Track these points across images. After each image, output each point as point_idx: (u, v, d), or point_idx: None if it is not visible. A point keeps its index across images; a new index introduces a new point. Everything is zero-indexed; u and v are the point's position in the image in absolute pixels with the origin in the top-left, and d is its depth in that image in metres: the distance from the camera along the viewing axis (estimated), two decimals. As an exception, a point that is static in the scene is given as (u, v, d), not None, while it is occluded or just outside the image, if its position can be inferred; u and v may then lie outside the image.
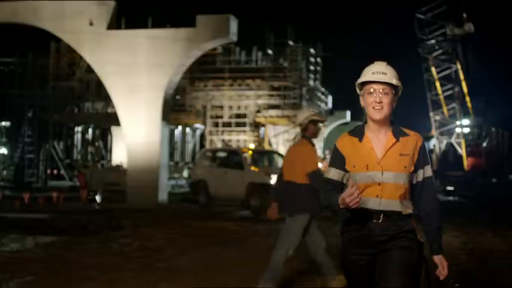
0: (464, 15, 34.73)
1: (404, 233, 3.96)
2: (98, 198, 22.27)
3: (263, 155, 21.57)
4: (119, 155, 42.76)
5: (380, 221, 3.96)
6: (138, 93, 23.62)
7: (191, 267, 9.25)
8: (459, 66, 35.17)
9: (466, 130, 35.63)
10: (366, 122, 4.16)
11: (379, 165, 3.99)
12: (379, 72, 4.02)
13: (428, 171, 4.13)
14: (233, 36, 24.20)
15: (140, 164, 23.46)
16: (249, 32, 24.94)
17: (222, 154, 22.33)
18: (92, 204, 21.51)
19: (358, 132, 4.14)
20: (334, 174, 4.17)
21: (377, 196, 3.97)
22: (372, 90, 4.01)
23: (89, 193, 22.81)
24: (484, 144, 34.45)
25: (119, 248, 11.09)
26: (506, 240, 13.11)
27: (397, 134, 4.08)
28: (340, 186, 4.13)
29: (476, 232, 14.51)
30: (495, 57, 69.66)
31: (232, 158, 20.50)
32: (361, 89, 4.14)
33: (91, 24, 24.51)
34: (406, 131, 4.14)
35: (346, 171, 4.14)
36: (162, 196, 23.63)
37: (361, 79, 4.09)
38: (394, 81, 4.02)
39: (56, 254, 10.08)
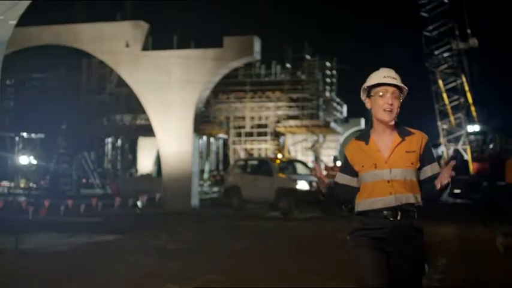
0: (469, 30, 36.97)
1: (416, 232, 4.08)
2: (139, 203, 24.56)
3: (288, 164, 23.94)
4: (145, 164, 45.32)
5: (398, 219, 4.04)
6: (171, 108, 25.72)
7: (248, 250, 11.73)
8: (464, 79, 37.34)
9: (472, 137, 37.77)
10: (371, 127, 4.29)
11: (386, 164, 4.11)
12: (390, 76, 4.19)
13: (435, 168, 4.21)
14: (257, 56, 26.46)
15: (174, 172, 25.65)
16: (268, 48, 27.01)
17: (253, 162, 24.74)
18: (134, 209, 23.79)
19: (364, 137, 4.28)
20: (341, 178, 4.34)
21: (390, 193, 4.05)
22: (382, 93, 4.16)
23: (132, 200, 25.06)
24: (488, 150, 36.48)
25: (186, 239, 13.58)
26: (492, 230, 15.59)
27: (403, 134, 4.19)
28: (349, 189, 4.28)
29: (470, 225, 17.05)
30: (498, 69, 71.82)
31: (262, 166, 22.90)
32: (368, 92, 4.26)
33: (127, 45, 26.57)
34: (411, 130, 4.25)
35: (354, 175, 4.28)
36: (195, 201, 25.92)
37: (373, 81, 4.23)
38: (403, 86, 4.22)
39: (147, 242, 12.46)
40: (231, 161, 41.91)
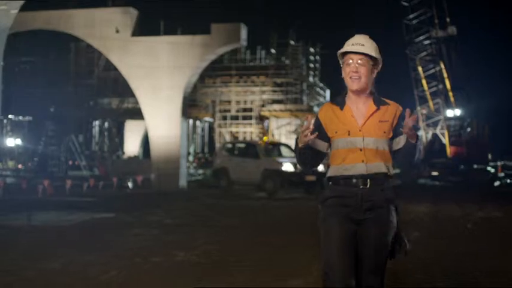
0: (448, 19, 38.25)
1: (387, 202, 4.00)
2: (130, 184, 25.58)
3: (274, 147, 25.07)
4: (132, 147, 46.23)
5: (368, 186, 3.99)
6: (160, 92, 26.66)
7: (237, 226, 12.81)
8: (443, 66, 38.72)
9: (450, 122, 39.16)
10: (346, 93, 4.19)
11: (360, 132, 4.04)
12: (357, 43, 4.09)
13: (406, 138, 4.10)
14: (243, 42, 27.47)
15: (163, 155, 26.64)
16: (253, 33, 27.84)
17: (240, 145, 25.79)
18: (124, 189, 24.79)
19: (339, 101, 4.18)
20: (317, 143, 4.15)
21: (362, 161, 4.00)
22: (350, 61, 4.08)
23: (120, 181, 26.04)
24: (465, 135, 37.99)
25: (181, 216, 14.65)
26: (463, 208, 16.92)
27: (378, 103, 4.12)
28: (319, 155, 4.20)
29: (445, 205, 18.37)
30: (476, 56, 73.57)
31: (250, 148, 23.97)
32: (342, 61, 4.19)
33: (117, 31, 27.43)
34: (387, 100, 4.18)
35: (325, 140, 4.16)
36: (183, 182, 26.98)
37: (341, 50, 4.17)
38: (373, 53, 4.09)
39: (146, 218, 13.48)
40: (217, 144, 42.95)
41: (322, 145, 4.15)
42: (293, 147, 30.80)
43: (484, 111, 41.35)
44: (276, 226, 13.06)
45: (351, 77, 4.06)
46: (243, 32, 26.95)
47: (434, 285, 7.00)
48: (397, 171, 41.62)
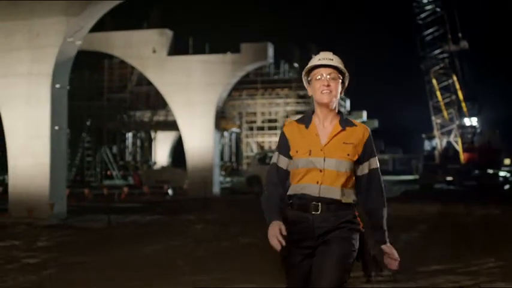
0: (460, 34, 40.56)
1: (344, 223, 3.80)
2: (170, 192, 28.03)
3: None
4: (161, 157, 48.71)
5: (319, 212, 3.78)
6: (194, 107, 28.88)
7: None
8: (455, 78, 41.02)
9: (463, 130, 41.38)
10: (313, 111, 4.02)
11: (321, 152, 3.84)
12: (325, 58, 3.94)
13: (374, 163, 3.96)
14: (270, 59, 29.90)
15: (197, 164, 28.89)
16: (277, 48, 29.94)
17: (271, 155, 28.19)
18: (165, 196, 27.25)
19: (305, 120, 4.01)
20: (280, 160, 4.01)
21: (317, 182, 3.80)
22: (319, 76, 3.90)
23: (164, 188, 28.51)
24: (477, 142, 40.25)
25: (227, 216, 17.16)
26: (469, 209, 19.32)
27: (344, 124, 3.93)
28: (286, 173, 3.98)
29: (454, 205, 20.78)
30: (487, 68, 76.15)
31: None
32: (308, 78, 4.02)
33: (154, 51, 29.79)
34: (354, 121, 4.01)
35: (291, 157, 3.96)
36: (216, 189, 29.28)
37: (309, 65, 4.00)
38: (341, 67, 3.92)
39: (200, 217, 15.96)
40: (244, 153, 45.42)
41: (287, 163, 3.97)
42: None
43: (496, 119, 43.67)
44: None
45: (322, 91, 3.87)
46: (270, 50, 29.27)
47: (429, 268, 9.37)
48: (416, 176, 43.73)
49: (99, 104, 44.78)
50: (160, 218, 16.57)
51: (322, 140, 3.90)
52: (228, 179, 40.07)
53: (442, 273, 8.35)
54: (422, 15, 41.31)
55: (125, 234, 13.23)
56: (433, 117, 41.70)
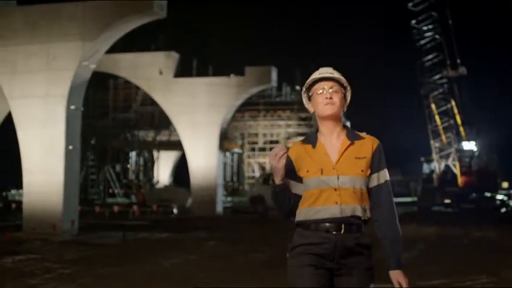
0: (458, 60, 41.66)
1: (361, 247, 3.60)
2: (175, 210, 28.75)
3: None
4: (163, 176, 49.39)
5: (342, 232, 3.58)
6: (199, 127, 29.52)
7: (277, 242, 15.97)
8: (454, 103, 42.09)
9: (460, 154, 42.33)
10: (317, 130, 3.83)
11: (334, 170, 3.64)
12: (326, 72, 3.78)
13: (383, 175, 3.75)
14: (274, 83, 30.69)
15: (201, 183, 29.48)
16: (279, 71, 30.68)
17: (275, 176, 29.01)
18: (171, 214, 27.96)
19: (311, 139, 3.81)
20: (291, 186, 3.75)
21: (336, 203, 3.59)
22: (320, 90, 3.73)
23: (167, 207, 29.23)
24: (475, 165, 41.24)
25: (237, 232, 17.87)
26: (466, 230, 20.00)
27: (352, 137, 3.74)
28: (292, 197, 3.74)
29: (450, 226, 21.56)
30: (486, 93, 77.49)
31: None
32: (308, 94, 3.83)
33: (160, 73, 30.49)
34: (362, 134, 3.81)
35: (298, 180, 3.73)
36: (219, 208, 29.92)
37: (309, 80, 3.81)
38: (343, 79, 3.79)
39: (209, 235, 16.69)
40: (245, 174, 46.17)
41: (298, 187, 3.73)
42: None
43: (493, 142, 44.55)
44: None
45: (325, 104, 3.68)
46: (274, 74, 30.02)
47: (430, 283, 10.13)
48: (414, 198, 44.58)
49: (104, 123, 45.43)
50: (171, 235, 17.33)
51: (332, 158, 3.69)
52: (229, 199, 40.71)
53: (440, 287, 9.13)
54: (422, 42, 42.43)
55: (142, 249, 14.04)
56: (431, 141, 42.66)
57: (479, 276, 10.27)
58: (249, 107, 45.22)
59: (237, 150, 47.51)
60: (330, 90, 3.72)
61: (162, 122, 41.68)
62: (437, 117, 42.64)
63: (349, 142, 3.72)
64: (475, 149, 42.88)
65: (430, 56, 42.42)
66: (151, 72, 30.41)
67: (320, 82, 3.77)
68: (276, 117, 46.17)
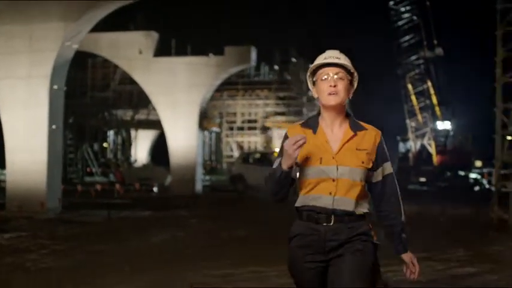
0: (435, 41, 42.29)
1: (358, 235, 3.51)
2: (155, 189, 29.02)
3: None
4: (141, 155, 49.55)
5: (331, 224, 3.50)
6: (179, 107, 29.66)
7: (257, 219, 16.37)
8: (430, 83, 42.79)
9: (436, 133, 43.16)
10: (319, 114, 3.68)
11: (333, 160, 3.52)
12: (332, 57, 3.62)
13: (388, 168, 3.66)
14: (253, 62, 30.92)
15: (181, 162, 29.76)
16: (257, 50, 30.96)
17: (256, 155, 29.46)
18: (151, 193, 28.23)
19: (311, 124, 3.66)
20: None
21: (330, 193, 3.50)
22: (325, 76, 3.59)
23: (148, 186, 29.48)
24: (449, 145, 42.09)
25: (218, 210, 18.37)
26: (442, 208, 21.02)
27: (355, 128, 3.62)
28: (291, 181, 3.58)
29: (427, 205, 22.24)
30: (462, 73, 78.66)
31: (265, 157, 27.66)
32: (313, 79, 3.72)
33: (140, 52, 30.55)
34: (364, 125, 3.68)
35: (297, 165, 3.57)
36: (198, 187, 30.23)
37: (314, 64, 3.69)
38: (349, 65, 3.62)
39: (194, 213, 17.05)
40: (223, 153, 46.53)
41: (294, 171, 3.59)
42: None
43: (468, 122, 45.50)
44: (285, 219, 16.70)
45: (329, 93, 3.56)
46: (253, 54, 30.21)
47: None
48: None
49: (82, 102, 45.32)
50: (154, 213, 17.67)
51: (333, 147, 3.56)
52: (207, 177, 41.03)
53: (422, 260, 9.58)
54: (400, 23, 42.98)
55: (128, 227, 14.39)
56: (407, 121, 43.39)
57: (457, 250, 10.81)
58: (228, 87, 45.47)
59: (215, 129, 47.83)
60: (335, 77, 3.59)
61: (141, 101, 41.79)
62: (413, 98, 43.41)
63: (352, 133, 3.61)
64: (450, 128, 43.68)
65: (407, 37, 43.04)
66: (131, 52, 30.37)
67: (325, 67, 3.63)
68: (254, 96, 46.59)
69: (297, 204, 3.66)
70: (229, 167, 30.31)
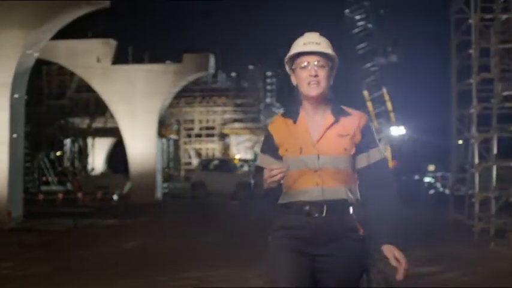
0: (390, 48, 43.25)
1: (348, 231, 3.31)
2: (115, 197, 28.96)
3: (245, 162, 29.11)
4: (98, 163, 49.25)
5: (323, 215, 3.28)
6: (137, 115, 29.60)
7: (223, 225, 16.62)
8: (385, 90, 43.75)
9: (391, 138, 44.12)
10: (300, 103, 3.49)
11: (314, 149, 3.33)
12: (312, 42, 3.41)
13: (375, 155, 3.43)
14: (211, 70, 31.13)
15: (140, 170, 29.72)
16: (216, 58, 31.17)
17: (216, 162, 29.67)
18: (111, 201, 28.18)
19: (292, 113, 3.48)
20: (266, 161, 3.48)
21: (317, 184, 3.29)
22: (305, 63, 3.38)
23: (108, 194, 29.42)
24: (404, 150, 43.09)
25: (181, 216, 18.54)
26: (399, 211, 21.25)
27: (337, 113, 3.43)
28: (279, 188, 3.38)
29: None
30: (416, 80, 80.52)
31: (225, 164, 27.92)
32: (291, 65, 3.49)
33: (98, 60, 30.41)
34: (348, 109, 3.48)
35: (280, 158, 3.43)
36: (158, 194, 30.27)
37: (292, 52, 3.45)
38: (330, 52, 3.41)
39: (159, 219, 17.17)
40: (182, 160, 46.59)
41: (267, 162, 3.47)
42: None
43: (422, 127, 46.53)
44: (248, 224, 16.93)
45: (309, 83, 3.37)
46: (211, 61, 30.46)
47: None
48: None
49: (38, 110, 44.88)
50: (119, 221, 17.75)
51: (313, 135, 3.38)
52: (165, 185, 41.00)
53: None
54: (355, 30, 43.82)
55: (97, 235, 14.48)
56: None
57: (417, 251, 11.19)
58: (185, 94, 45.60)
59: (173, 136, 47.84)
60: (316, 64, 3.40)
61: (98, 108, 41.56)
62: (369, 104, 44.23)
63: (333, 119, 3.43)
64: (404, 133, 44.65)
65: (362, 45, 43.90)
66: (89, 60, 30.14)
67: (304, 55, 3.43)
68: (212, 103, 46.90)
69: (281, 201, 3.44)
70: (188, 174, 30.44)
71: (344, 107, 3.49)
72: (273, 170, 3.17)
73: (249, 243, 12.16)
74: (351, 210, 3.38)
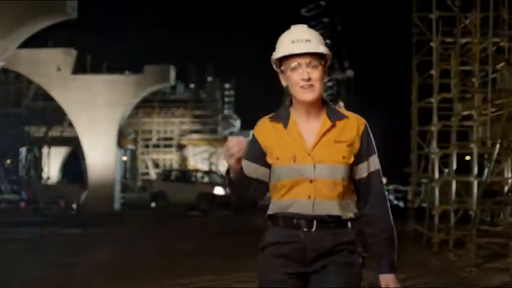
0: (346, 64, 44.27)
1: (343, 245, 2.95)
2: (74, 206, 28.85)
3: (205, 173, 29.45)
4: (54, 172, 48.79)
5: (313, 230, 2.92)
6: (97, 125, 29.54)
7: (189, 234, 16.87)
8: (342, 104, 44.61)
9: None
10: (291, 104, 3.06)
11: (309, 157, 2.94)
12: (300, 40, 2.95)
13: (374, 163, 3.05)
14: (172, 81, 31.45)
15: (99, 179, 29.69)
16: (175, 69, 31.29)
17: (176, 172, 29.92)
18: (70, 211, 28.07)
19: (282, 117, 3.06)
20: (250, 169, 3.04)
21: (309, 197, 2.92)
22: (295, 63, 2.94)
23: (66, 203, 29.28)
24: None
25: (147, 226, 18.59)
26: None
27: (333, 117, 3.02)
28: (260, 184, 3.06)
29: None
30: (372, 94, 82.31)
31: (186, 175, 28.21)
32: (280, 65, 3.04)
33: (58, 69, 30.30)
34: (345, 112, 3.08)
35: (266, 166, 3.05)
36: (117, 205, 30.28)
37: (279, 53, 3.00)
38: (322, 49, 2.97)
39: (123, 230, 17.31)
40: (139, 170, 46.55)
41: (262, 172, 3.07)
42: (221, 173, 35.17)
43: (378, 142, 47.33)
44: (211, 234, 17.27)
45: (302, 86, 2.94)
46: (172, 73, 30.72)
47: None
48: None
49: (-8, 118, 44.33)
50: (84, 231, 17.83)
51: (308, 142, 2.98)
52: (121, 195, 40.86)
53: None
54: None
55: (68, 244, 14.59)
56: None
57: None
58: (143, 104, 45.61)
59: (130, 146, 47.81)
60: (307, 64, 2.94)
61: (55, 117, 41.18)
62: (326, 117, 45.03)
63: (330, 124, 3.00)
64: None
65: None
66: (50, 69, 30.04)
67: (294, 56, 2.97)
68: (170, 114, 47.16)
69: (269, 212, 3.05)
70: (145, 184, 30.58)
71: (340, 109, 3.11)
72: (230, 143, 2.85)
73: (223, 252, 12.54)
74: (349, 224, 2.99)
